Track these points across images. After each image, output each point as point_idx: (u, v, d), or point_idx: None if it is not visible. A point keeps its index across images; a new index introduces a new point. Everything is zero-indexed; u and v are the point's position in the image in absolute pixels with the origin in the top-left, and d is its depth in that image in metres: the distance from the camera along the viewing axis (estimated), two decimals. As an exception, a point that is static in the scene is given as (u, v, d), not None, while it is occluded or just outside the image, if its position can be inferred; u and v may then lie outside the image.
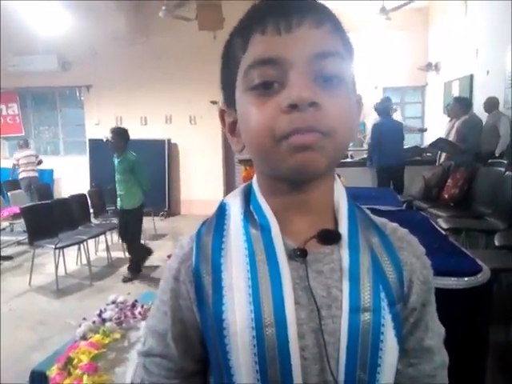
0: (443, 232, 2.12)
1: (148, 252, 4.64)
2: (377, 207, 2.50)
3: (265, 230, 0.54)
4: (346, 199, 0.58)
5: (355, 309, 0.51)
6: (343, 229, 0.55)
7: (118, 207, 4.48)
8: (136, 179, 4.38)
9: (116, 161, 4.42)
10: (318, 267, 0.54)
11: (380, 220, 0.62)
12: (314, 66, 0.48)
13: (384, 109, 5.47)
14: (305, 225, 0.55)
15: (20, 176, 7.07)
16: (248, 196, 0.58)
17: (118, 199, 4.44)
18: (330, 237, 0.55)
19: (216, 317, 0.52)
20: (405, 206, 4.55)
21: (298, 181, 0.53)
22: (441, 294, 1.56)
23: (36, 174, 7.25)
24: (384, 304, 0.53)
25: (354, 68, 0.54)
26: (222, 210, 0.59)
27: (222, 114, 0.59)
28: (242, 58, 0.51)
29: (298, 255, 0.53)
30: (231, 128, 0.57)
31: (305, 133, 0.47)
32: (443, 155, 5.02)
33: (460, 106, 4.83)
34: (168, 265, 0.59)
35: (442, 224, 3.42)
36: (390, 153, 5.20)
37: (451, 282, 1.45)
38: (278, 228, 0.54)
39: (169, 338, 0.58)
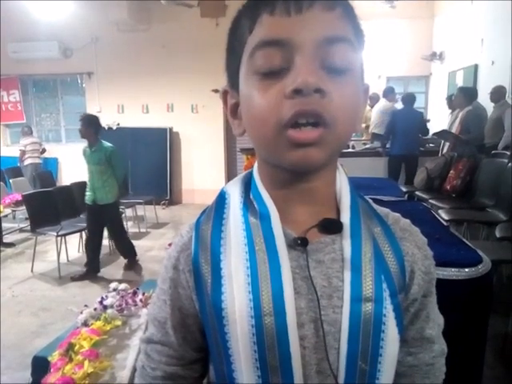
0: (444, 223, 2.11)
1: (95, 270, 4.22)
2: (378, 197, 2.51)
3: (264, 218, 0.53)
4: (348, 189, 0.57)
5: (357, 299, 0.51)
6: (345, 218, 0.55)
7: (89, 202, 4.05)
8: (112, 171, 4.06)
9: (88, 151, 4.08)
10: (318, 257, 0.54)
11: (382, 210, 0.61)
12: (322, 51, 0.47)
13: (408, 98, 5.52)
14: (306, 214, 0.55)
15: (25, 162, 7.07)
16: (248, 184, 0.58)
17: (89, 193, 4.04)
18: (331, 226, 0.54)
19: (215, 305, 0.52)
20: (406, 196, 4.56)
21: (298, 171, 0.52)
22: (441, 284, 1.57)
23: (40, 161, 7.25)
24: (386, 294, 0.52)
25: (363, 56, 0.53)
26: (221, 199, 0.59)
27: (224, 94, 0.58)
28: (249, 38, 0.50)
29: (299, 244, 0.53)
30: (233, 110, 0.56)
31: (306, 126, 0.46)
32: (446, 146, 5.00)
33: (464, 96, 4.78)
34: (168, 254, 0.59)
35: (444, 215, 3.41)
36: (405, 141, 5.25)
37: (452, 273, 1.45)
38: (277, 217, 0.53)
39: (168, 326, 0.59)
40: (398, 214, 0.62)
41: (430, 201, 4.12)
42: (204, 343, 0.58)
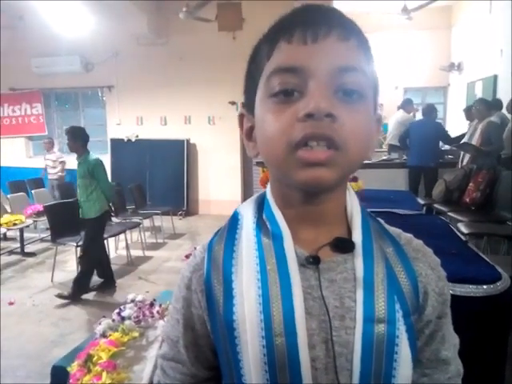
0: (463, 237, 2.09)
1: (110, 281, 4.17)
2: (395, 211, 2.49)
3: (277, 238, 0.54)
4: (359, 209, 0.58)
5: (369, 319, 0.51)
6: (357, 237, 0.55)
7: (80, 216, 4.01)
8: (97, 184, 3.94)
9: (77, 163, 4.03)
10: (330, 276, 0.54)
11: (394, 230, 0.62)
12: (336, 79, 0.49)
13: (428, 109, 5.50)
14: (318, 234, 0.55)
15: (50, 176, 7.26)
16: (261, 205, 0.59)
17: (79, 207, 4.01)
18: (343, 245, 0.55)
19: (226, 325, 0.53)
20: (425, 209, 4.50)
21: (309, 192, 0.53)
22: (459, 301, 1.55)
23: (63, 174, 7.39)
24: (399, 315, 0.52)
25: (377, 85, 0.55)
26: (234, 219, 0.60)
27: (241, 118, 0.60)
28: (266, 65, 0.52)
29: (311, 262, 0.53)
30: (248, 133, 0.58)
31: (316, 147, 0.48)
32: (466, 158, 4.94)
33: (485, 107, 4.73)
34: (181, 273, 0.61)
35: (463, 229, 3.36)
36: (422, 152, 5.19)
37: (469, 290, 1.43)
38: (290, 236, 0.54)
39: (180, 345, 0.60)
40: (410, 235, 0.62)
41: (449, 213, 4.06)
42: (216, 362, 0.58)
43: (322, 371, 0.51)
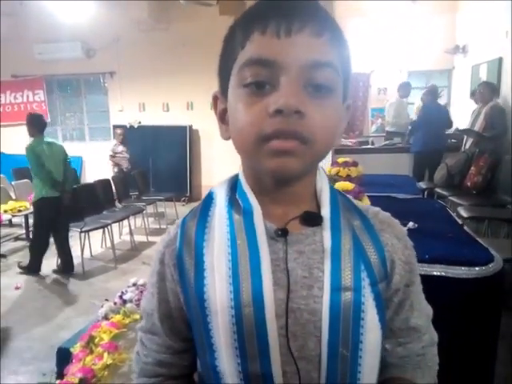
0: (459, 221, 2.10)
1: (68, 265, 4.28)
2: (392, 195, 2.50)
3: (247, 214, 0.57)
4: (328, 187, 0.61)
5: (336, 288, 0.54)
6: (325, 212, 0.58)
7: None
8: (33, 170, 4.03)
9: None
10: (299, 248, 0.56)
11: (363, 206, 0.64)
12: (306, 74, 0.50)
13: (432, 92, 5.39)
14: (288, 210, 0.58)
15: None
16: (235, 185, 0.61)
17: None
18: (312, 219, 0.58)
19: (198, 297, 0.55)
20: (426, 193, 4.50)
21: (277, 179, 0.55)
22: (452, 283, 1.57)
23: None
24: (365, 283, 0.55)
25: (349, 76, 0.56)
26: (208, 198, 0.62)
27: (215, 99, 0.61)
28: (240, 54, 0.53)
29: (279, 235, 0.56)
30: (222, 115, 0.60)
31: (285, 138, 0.49)
32: (469, 142, 4.90)
33: (489, 90, 4.67)
34: (156, 249, 0.64)
35: (463, 213, 3.37)
36: (433, 138, 5.08)
37: (461, 272, 1.45)
38: (260, 211, 0.57)
39: (155, 318, 0.63)
40: (378, 208, 0.64)
41: (450, 198, 4.07)
42: (190, 334, 0.61)
43: (290, 338, 0.54)
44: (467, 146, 4.87)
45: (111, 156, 6.74)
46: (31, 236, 4.31)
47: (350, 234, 0.57)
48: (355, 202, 0.64)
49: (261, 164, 0.52)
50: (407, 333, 0.63)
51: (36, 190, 4.10)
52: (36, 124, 4.11)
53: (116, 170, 6.71)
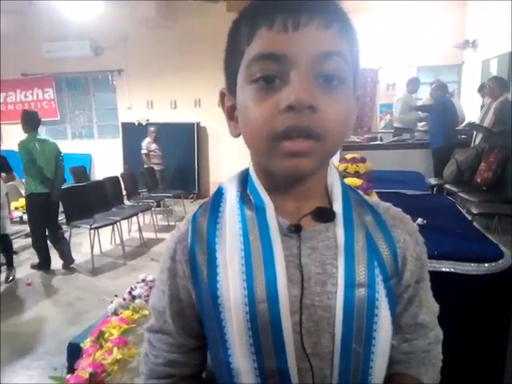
0: (468, 217, 2.08)
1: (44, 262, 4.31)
2: (401, 191, 2.49)
3: (259, 210, 0.56)
4: (339, 182, 0.60)
5: (350, 284, 0.53)
6: (337, 207, 0.57)
7: None
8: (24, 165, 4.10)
9: None
10: (312, 244, 0.56)
11: (373, 200, 0.64)
12: (317, 66, 0.49)
13: (442, 87, 5.34)
14: (300, 206, 0.57)
15: (156, 167, 6.95)
16: (245, 181, 0.60)
17: None
18: (325, 214, 0.57)
19: (211, 293, 0.55)
20: (435, 190, 4.47)
21: (289, 178, 0.55)
22: (461, 279, 1.56)
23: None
24: (378, 279, 0.54)
25: (358, 66, 0.55)
26: (218, 194, 0.62)
27: (222, 96, 0.60)
28: (247, 50, 0.52)
29: (293, 231, 0.55)
30: (230, 112, 0.58)
31: (298, 136, 0.49)
32: (478, 137, 4.84)
33: (499, 85, 4.62)
34: (166, 246, 0.62)
35: (473, 209, 3.34)
36: (450, 133, 5.04)
37: (471, 268, 1.44)
38: (272, 207, 0.56)
39: (167, 316, 0.61)
40: (389, 204, 0.64)
41: (460, 194, 4.03)
42: (202, 331, 0.60)
43: (304, 335, 0.54)
44: (477, 142, 4.82)
45: (145, 154, 6.63)
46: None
47: (362, 229, 0.57)
48: (365, 197, 0.63)
49: (273, 164, 0.52)
50: (414, 329, 0.62)
51: (26, 186, 4.18)
52: (30, 121, 4.17)
53: (158, 164, 6.66)
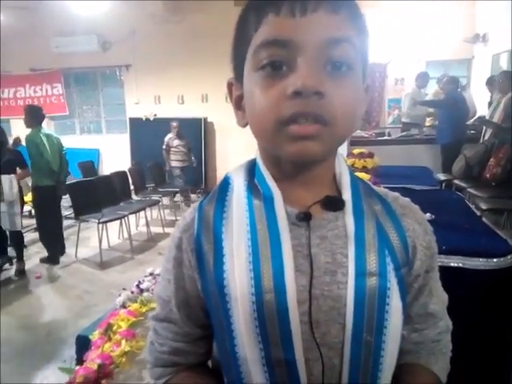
0: (477, 212, 2.07)
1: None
2: (409, 186, 2.47)
3: (267, 199, 0.55)
4: (347, 171, 0.60)
5: (361, 273, 0.53)
6: (347, 196, 0.57)
7: None
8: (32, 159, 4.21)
9: None
10: (322, 233, 0.55)
11: (382, 190, 0.63)
12: (324, 53, 0.48)
13: (454, 81, 5.28)
14: (308, 195, 0.57)
15: (176, 164, 6.69)
16: (252, 170, 0.60)
17: None
18: (334, 203, 0.56)
19: (217, 283, 0.54)
20: (444, 185, 4.43)
21: (298, 163, 0.54)
22: (470, 274, 1.55)
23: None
24: (389, 268, 0.54)
25: (367, 55, 0.54)
26: (225, 183, 0.61)
27: (229, 86, 0.60)
28: (254, 36, 0.51)
29: (302, 219, 0.54)
30: (237, 102, 0.58)
31: (305, 121, 0.48)
32: (488, 133, 4.79)
33: (508, 80, 4.55)
34: (172, 235, 0.62)
35: (482, 205, 3.31)
36: (459, 128, 4.98)
37: (479, 263, 1.43)
38: (280, 196, 0.55)
39: (172, 305, 0.61)
40: (397, 193, 0.63)
41: (469, 189, 3.99)
42: (207, 321, 0.59)
43: (313, 325, 0.53)
44: (486, 137, 4.76)
45: (165, 150, 6.38)
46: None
47: (372, 218, 0.56)
48: (374, 186, 0.63)
49: (280, 149, 0.51)
50: (424, 319, 0.62)
51: (32, 179, 4.26)
52: (35, 116, 4.25)
53: (172, 164, 6.37)
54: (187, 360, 0.63)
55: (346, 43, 0.49)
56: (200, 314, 0.60)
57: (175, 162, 6.43)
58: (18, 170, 4.11)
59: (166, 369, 0.63)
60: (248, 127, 0.57)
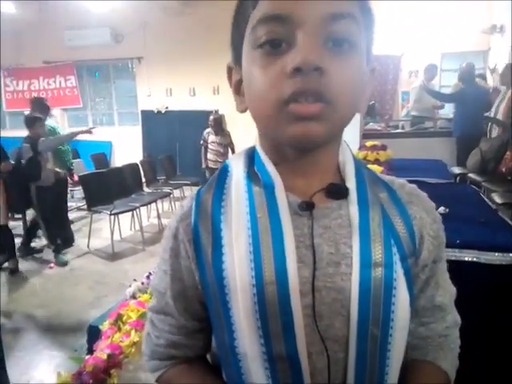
0: (493, 206, 2.02)
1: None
2: (424, 179, 2.43)
3: (268, 187, 0.53)
4: (352, 159, 0.57)
5: (366, 264, 0.50)
6: (351, 184, 0.54)
7: None
8: None
9: None
10: (325, 222, 0.53)
11: (388, 177, 0.61)
12: (325, 28, 0.46)
13: (468, 74, 5.17)
14: (311, 183, 0.54)
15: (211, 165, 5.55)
16: (252, 158, 0.57)
17: None
18: (337, 191, 0.54)
19: (216, 274, 0.52)
20: (458, 179, 4.36)
21: (300, 147, 0.52)
22: (486, 269, 1.52)
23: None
24: (396, 258, 0.52)
25: (372, 36, 0.52)
26: (223, 170, 0.59)
27: (229, 71, 0.58)
28: (252, 14, 0.49)
29: (304, 208, 0.52)
30: (237, 86, 0.56)
31: (306, 100, 0.46)
32: (495, 128, 4.67)
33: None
34: (168, 225, 0.60)
35: (497, 199, 3.24)
36: (473, 122, 4.87)
37: (495, 258, 1.40)
38: (281, 185, 0.53)
39: (168, 296, 0.58)
40: (404, 180, 0.61)
41: (484, 184, 3.92)
42: (205, 314, 0.57)
43: (316, 317, 0.51)
44: (494, 134, 4.64)
45: (204, 147, 5.51)
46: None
47: (377, 206, 0.54)
48: (380, 174, 0.61)
49: (281, 131, 0.48)
50: (431, 312, 0.60)
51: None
52: (40, 107, 4.39)
53: (208, 163, 5.42)
54: (184, 353, 0.61)
55: (348, 19, 0.47)
56: (197, 306, 0.58)
57: (209, 161, 5.47)
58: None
59: (163, 362, 0.61)
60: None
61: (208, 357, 0.65)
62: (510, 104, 4.29)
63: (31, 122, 4.04)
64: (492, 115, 4.62)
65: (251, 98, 0.51)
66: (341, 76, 0.47)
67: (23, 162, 3.92)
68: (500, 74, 4.74)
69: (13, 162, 3.87)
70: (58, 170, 4.33)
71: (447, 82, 6.72)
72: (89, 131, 4.64)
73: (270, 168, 0.54)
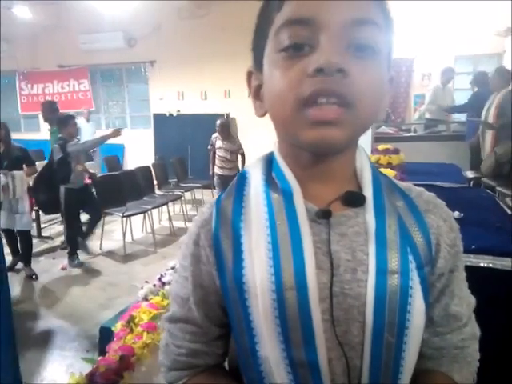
0: (508, 211, 1.99)
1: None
2: (437, 184, 2.41)
3: (286, 194, 0.53)
4: (369, 165, 0.57)
5: (382, 271, 0.51)
6: (368, 192, 0.55)
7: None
8: None
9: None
10: (342, 230, 0.53)
11: (405, 185, 0.60)
12: (349, 33, 0.46)
13: (481, 78, 5.12)
14: (328, 190, 0.54)
15: (221, 172, 5.10)
16: (270, 164, 0.58)
17: None
18: (354, 199, 0.54)
19: (236, 280, 0.52)
20: (472, 184, 4.30)
21: (317, 153, 0.52)
22: (501, 275, 1.49)
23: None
24: (412, 266, 0.52)
25: (392, 44, 0.52)
26: (242, 178, 0.59)
27: (249, 75, 0.58)
28: (276, 17, 0.50)
29: (321, 216, 0.53)
30: (256, 91, 0.56)
31: (326, 101, 0.46)
32: (487, 133, 4.59)
33: (500, 78, 4.41)
34: (188, 231, 0.60)
35: (511, 203, 3.19)
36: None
37: (511, 263, 1.38)
38: (300, 192, 0.53)
39: (191, 303, 0.59)
40: (422, 188, 0.61)
41: (498, 188, 3.86)
42: (225, 319, 0.58)
43: (334, 323, 0.51)
44: (487, 139, 4.56)
45: (210, 150, 5.15)
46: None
47: (394, 215, 0.54)
48: (396, 181, 0.60)
49: (300, 135, 0.48)
50: (446, 321, 0.59)
51: None
52: (50, 111, 4.49)
53: (215, 170, 5.04)
54: (205, 361, 0.61)
55: (371, 25, 0.47)
56: (218, 311, 0.58)
57: (216, 167, 5.08)
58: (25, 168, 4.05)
59: (183, 372, 0.61)
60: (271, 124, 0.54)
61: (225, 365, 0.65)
62: (497, 107, 4.25)
63: (64, 121, 4.04)
64: (483, 119, 4.57)
65: (270, 99, 0.51)
66: (363, 80, 0.47)
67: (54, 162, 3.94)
68: (489, 78, 4.70)
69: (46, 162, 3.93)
70: (91, 171, 4.32)
71: (461, 85, 6.63)
72: (118, 133, 4.38)
73: (288, 174, 0.54)
